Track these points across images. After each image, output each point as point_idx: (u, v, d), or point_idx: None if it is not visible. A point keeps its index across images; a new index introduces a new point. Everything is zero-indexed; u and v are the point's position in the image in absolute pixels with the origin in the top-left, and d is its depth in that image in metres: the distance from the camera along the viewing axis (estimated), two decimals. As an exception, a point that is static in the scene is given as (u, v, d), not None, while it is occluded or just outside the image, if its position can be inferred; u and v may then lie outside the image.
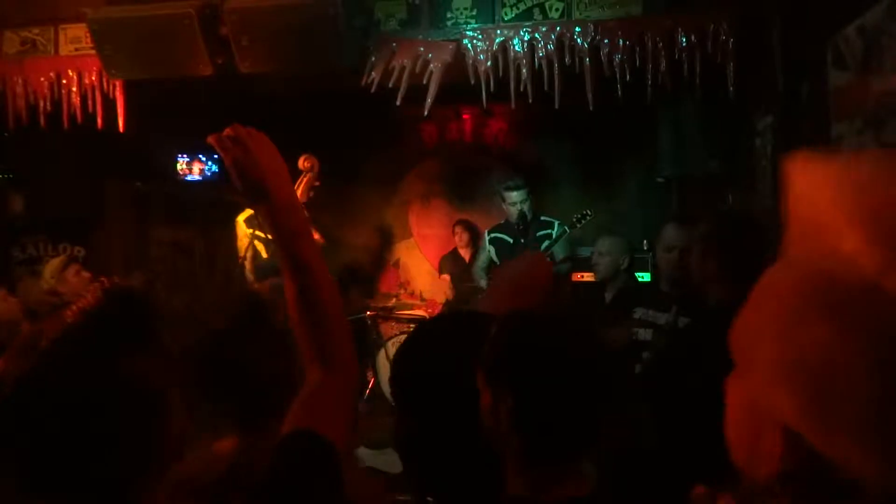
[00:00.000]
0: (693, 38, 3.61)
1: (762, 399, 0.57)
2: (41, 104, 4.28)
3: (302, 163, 4.70)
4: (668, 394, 1.86)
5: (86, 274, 4.00)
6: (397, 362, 1.19)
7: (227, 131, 1.05)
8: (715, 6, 3.61)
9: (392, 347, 5.32)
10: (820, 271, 0.54)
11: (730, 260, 2.05)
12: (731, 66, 3.57)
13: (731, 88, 3.62)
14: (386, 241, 6.66)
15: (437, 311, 5.90)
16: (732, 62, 3.57)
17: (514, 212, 4.74)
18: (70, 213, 5.39)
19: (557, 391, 1.08)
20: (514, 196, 4.74)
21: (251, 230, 5.00)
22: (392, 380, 1.20)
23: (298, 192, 5.22)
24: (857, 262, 0.51)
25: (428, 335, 1.30)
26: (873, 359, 0.50)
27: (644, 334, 2.81)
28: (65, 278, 4.01)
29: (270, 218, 1.05)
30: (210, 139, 1.05)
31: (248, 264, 5.01)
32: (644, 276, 4.70)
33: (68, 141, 4.61)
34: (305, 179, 5.20)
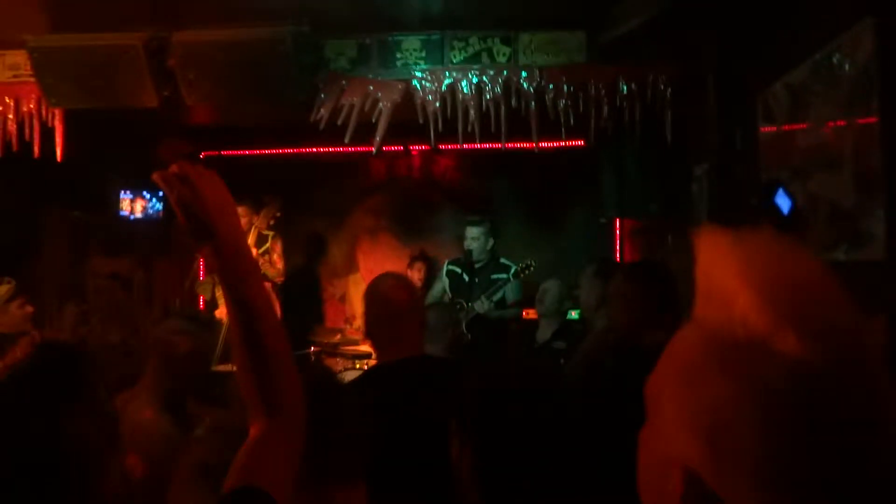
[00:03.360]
0: (634, 86, 3.77)
1: (668, 444, 0.62)
2: (-25, 131, 4.14)
3: (266, 198, 4.86)
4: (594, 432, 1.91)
5: (29, 308, 3.83)
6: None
7: (174, 168, 1.00)
8: (655, 58, 3.77)
9: (336, 384, 5.23)
10: (718, 331, 0.60)
11: (647, 307, 2.14)
12: (668, 115, 3.73)
13: (669, 136, 3.77)
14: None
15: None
16: (670, 111, 3.72)
17: (466, 246, 4.82)
18: (2, 243, 5.18)
19: (517, 452, 1.10)
20: (471, 231, 4.81)
21: None
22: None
23: (258, 220, 5.30)
24: (749, 323, 0.58)
25: None
26: (762, 411, 0.56)
27: None
28: (7, 310, 3.82)
29: (216, 259, 1.00)
30: (155, 177, 1.00)
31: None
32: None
33: (2, 168, 4.46)
34: (266, 210, 5.36)
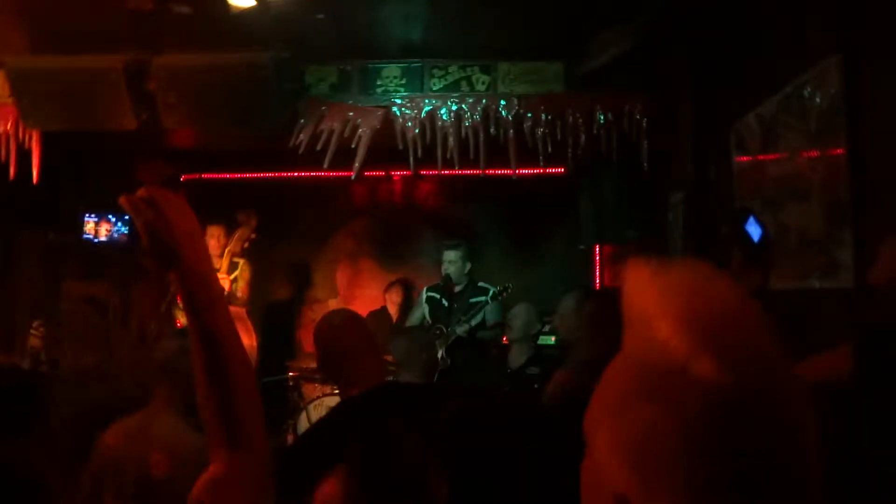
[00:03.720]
0: (610, 116, 3.83)
1: (601, 474, 0.64)
2: (-49, 151, 4.10)
3: (241, 216, 4.72)
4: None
5: None
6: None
7: (141, 192, 0.98)
8: (630, 89, 3.84)
9: (314, 410, 5.17)
10: (641, 359, 0.63)
11: (611, 337, 2.15)
12: (645, 144, 3.79)
13: (645, 164, 3.83)
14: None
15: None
16: (646, 140, 3.78)
17: (444, 271, 4.83)
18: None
19: (496, 484, 1.09)
20: (448, 255, 4.83)
21: None
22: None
23: (232, 244, 5.18)
24: (669, 350, 0.60)
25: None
26: (681, 434, 0.58)
27: None
28: None
29: (181, 286, 0.98)
30: (122, 200, 0.98)
31: None
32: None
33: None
34: (240, 232, 5.21)
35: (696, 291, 0.63)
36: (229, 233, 5.16)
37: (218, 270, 4.91)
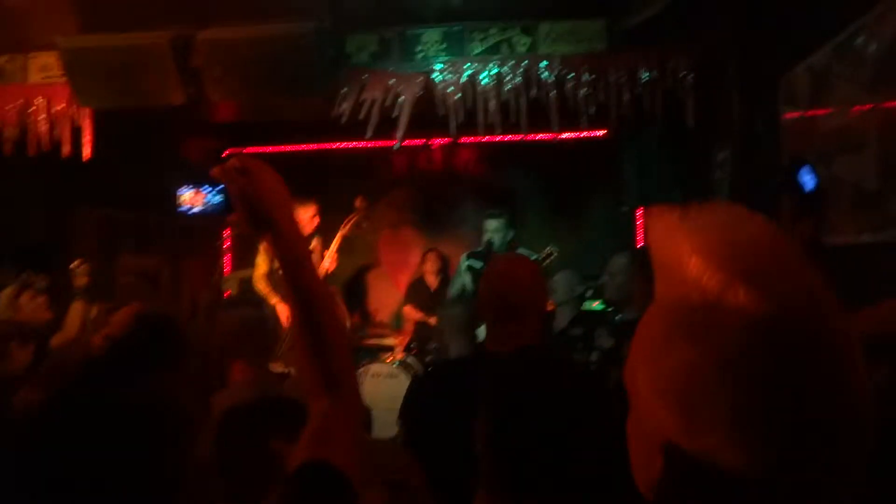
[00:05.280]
0: (654, 73, 3.76)
1: (646, 422, 0.64)
2: (8, 131, 4.25)
3: (358, 202, 4.87)
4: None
5: (40, 298, 3.95)
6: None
7: (233, 162, 1.05)
8: (675, 45, 3.76)
9: (361, 376, 5.29)
10: (674, 300, 0.63)
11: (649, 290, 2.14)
12: (690, 101, 3.71)
13: (691, 122, 3.76)
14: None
15: (406, 340, 5.90)
16: (691, 97, 3.71)
17: (486, 239, 4.80)
18: (33, 242, 5.31)
19: (525, 423, 1.11)
20: (491, 224, 4.79)
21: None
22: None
23: (346, 228, 5.19)
24: (702, 286, 0.60)
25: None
26: (723, 364, 0.58)
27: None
28: (19, 306, 3.96)
29: (275, 248, 1.06)
30: (215, 171, 1.05)
31: (262, 280, 4.95)
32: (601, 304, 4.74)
33: (32, 168, 4.57)
34: (355, 217, 5.25)
35: (725, 226, 0.63)
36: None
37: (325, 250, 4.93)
